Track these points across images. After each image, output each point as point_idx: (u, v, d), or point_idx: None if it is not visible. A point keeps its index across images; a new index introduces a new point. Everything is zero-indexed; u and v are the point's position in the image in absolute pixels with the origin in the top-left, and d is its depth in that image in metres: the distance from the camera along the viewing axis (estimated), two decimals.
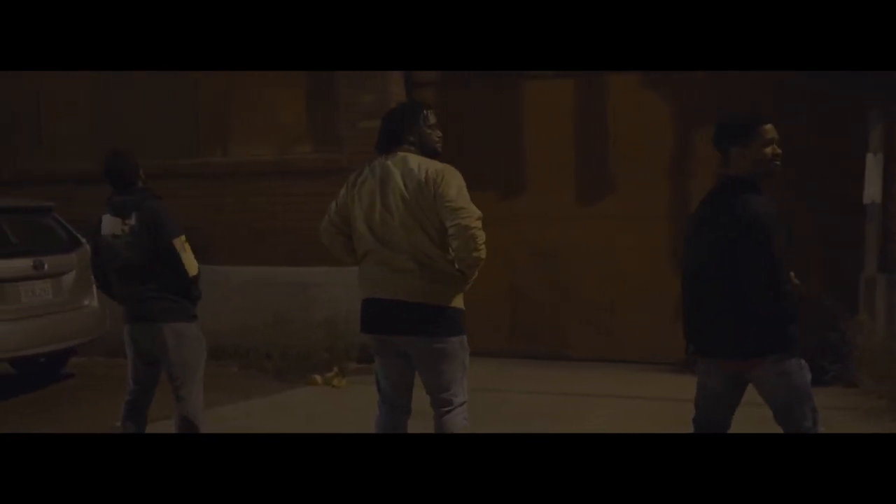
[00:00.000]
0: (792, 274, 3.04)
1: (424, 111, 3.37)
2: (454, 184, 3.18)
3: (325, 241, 3.48)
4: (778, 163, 3.08)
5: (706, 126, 6.44)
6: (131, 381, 4.04)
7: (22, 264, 5.90)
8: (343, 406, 5.57)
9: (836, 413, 5.08)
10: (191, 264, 3.90)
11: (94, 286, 6.44)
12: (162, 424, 4.31)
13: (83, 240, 6.55)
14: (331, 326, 6.88)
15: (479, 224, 3.16)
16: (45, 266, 6.02)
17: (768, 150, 3.04)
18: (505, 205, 7.05)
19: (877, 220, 5.93)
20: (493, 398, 5.34)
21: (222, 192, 7.65)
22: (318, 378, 6.38)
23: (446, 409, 3.31)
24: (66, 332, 6.20)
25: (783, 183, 6.11)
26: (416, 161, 3.23)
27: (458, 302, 3.29)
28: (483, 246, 3.17)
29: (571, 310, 6.96)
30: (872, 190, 5.87)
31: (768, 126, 3.07)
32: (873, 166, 5.84)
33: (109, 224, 3.90)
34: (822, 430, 3.09)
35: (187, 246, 3.90)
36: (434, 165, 3.23)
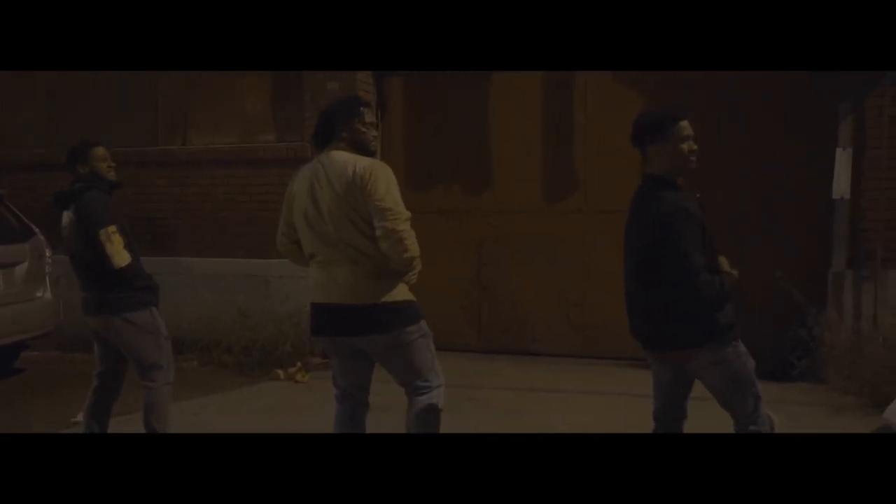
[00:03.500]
0: (723, 259, 3.08)
1: (361, 108, 3.28)
2: (382, 181, 3.09)
3: (283, 251, 3.47)
4: (694, 159, 3.10)
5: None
6: (95, 374, 4.05)
7: None
8: (304, 401, 5.44)
9: (804, 409, 5.09)
10: (117, 255, 3.78)
11: (47, 277, 6.27)
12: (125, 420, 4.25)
13: (36, 229, 6.35)
14: (295, 320, 6.74)
15: (406, 226, 3.09)
16: None
17: (684, 146, 3.08)
18: (473, 198, 6.97)
19: (846, 216, 5.91)
20: (460, 394, 5.23)
21: (184, 181, 7.46)
22: (280, 373, 6.24)
23: (423, 391, 3.26)
24: (17, 325, 5.99)
25: (754, 178, 6.19)
26: (344, 157, 3.16)
27: (405, 293, 3.21)
28: (413, 245, 3.10)
29: (541, 305, 6.89)
30: (842, 185, 5.84)
31: (684, 123, 3.09)
32: (843, 161, 5.82)
33: (65, 218, 3.93)
34: (766, 415, 3.10)
35: (115, 237, 3.78)
36: (362, 161, 3.14)
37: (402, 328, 3.18)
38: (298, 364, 6.34)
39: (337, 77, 6.76)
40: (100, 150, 4.02)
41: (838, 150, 5.83)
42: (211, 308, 6.94)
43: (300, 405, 5.38)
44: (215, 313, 6.86)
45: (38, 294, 6.20)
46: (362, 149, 3.23)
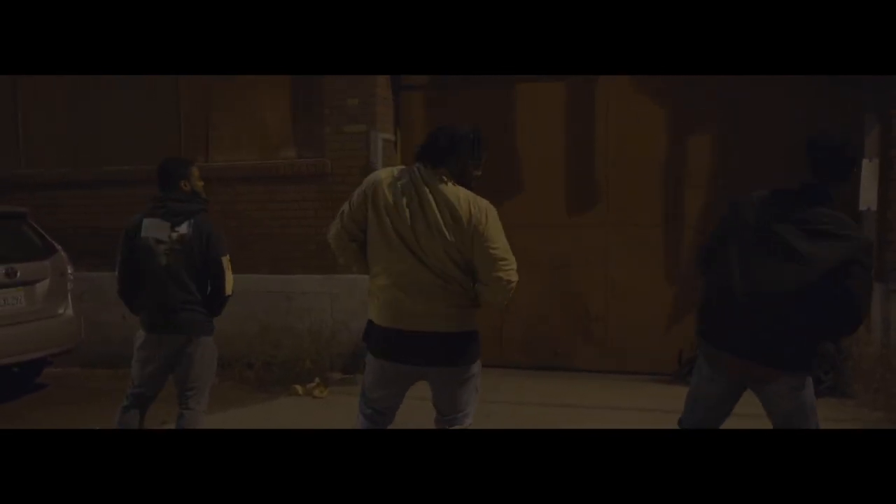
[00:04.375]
0: None
1: (485, 152, 3.25)
2: (497, 227, 3.10)
3: (336, 246, 3.29)
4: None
5: (700, 131, 6.45)
6: (136, 387, 4.00)
7: None
8: (323, 417, 5.40)
9: (833, 426, 4.97)
10: (230, 283, 3.96)
11: (68, 294, 6.30)
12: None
13: (58, 247, 6.39)
14: (315, 336, 6.73)
15: (517, 276, 3.11)
16: (18, 273, 5.84)
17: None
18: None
19: (873, 227, 5.81)
20: (481, 409, 5.15)
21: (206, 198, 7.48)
22: (299, 388, 6.22)
23: (457, 422, 3.26)
24: (39, 342, 6.02)
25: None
26: (455, 189, 3.10)
27: (475, 321, 3.21)
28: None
29: (563, 320, 6.83)
30: (868, 196, 5.75)
31: None
32: (869, 172, 5.73)
33: (155, 227, 3.88)
34: None
35: (230, 266, 3.97)
36: (478, 201, 3.11)
37: (472, 363, 3.19)
38: (317, 380, 6.31)
39: (357, 92, 6.77)
40: (196, 170, 4.08)
41: (864, 161, 5.74)
42: (232, 323, 6.90)
43: (319, 421, 5.35)
44: (236, 329, 6.85)
45: (60, 311, 6.23)
46: (464, 183, 3.16)
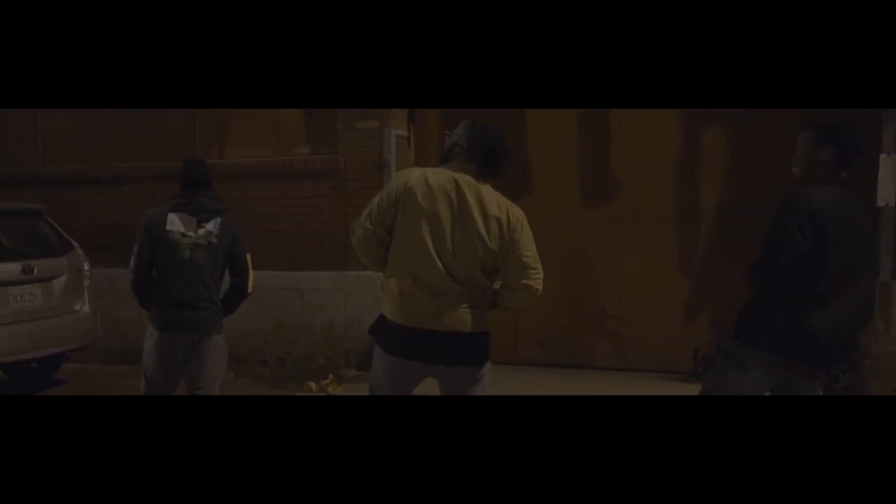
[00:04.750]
0: None
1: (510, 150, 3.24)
2: (530, 236, 3.12)
3: (363, 251, 3.19)
4: None
5: (714, 127, 6.39)
6: (149, 385, 3.99)
7: (11, 268, 5.75)
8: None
9: None
10: (252, 282, 4.05)
11: (85, 291, 6.34)
12: None
13: (75, 243, 6.44)
14: (329, 332, 6.74)
15: (542, 284, 3.14)
16: (35, 270, 5.88)
17: None
18: None
19: (891, 223, 5.74)
20: None
21: (221, 194, 7.47)
22: (313, 385, 6.23)
23: None
24: (56, 338, 6.06)
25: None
26: (497, 198, 3.09)
27: (487, 323, 3.21)
28: None
29: (578, 317, 6.80)
30: (886, 192, 5.68)
31: None
32: (887, 167, 5.66)
33: (180, 222, 3.90)
34: None
35: (251, 265, 4.06)
36: (514, 210, 3.10)
37: (485, 362, 3.18)
38: (331, 376, 6.33)
39: None
40: None
41: (882, 157, 5.67)
42: (246, 320, 6.90)
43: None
44: (250, 325, 6.87)
45: (77, 307, 6.27)
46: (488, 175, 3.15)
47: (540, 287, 3.13)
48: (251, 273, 4.03)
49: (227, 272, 4.02)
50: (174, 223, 3.90)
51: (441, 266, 3.03)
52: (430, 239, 3.02)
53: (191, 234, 3.89)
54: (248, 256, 4.03)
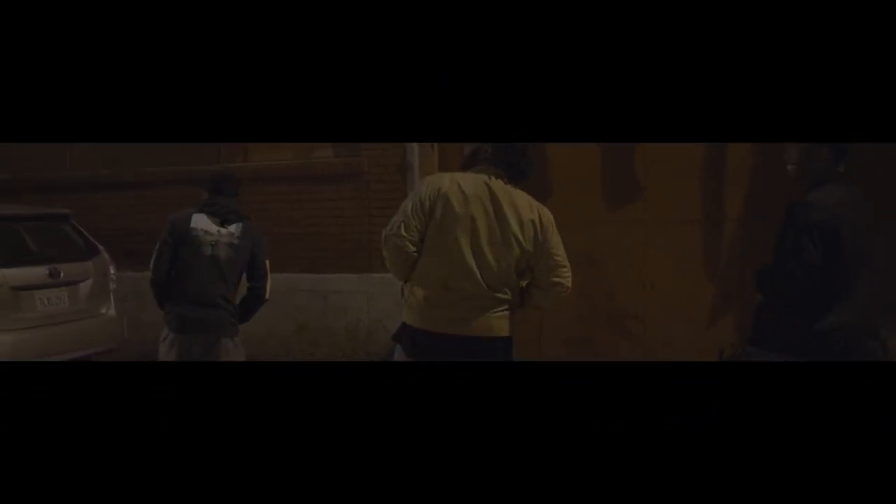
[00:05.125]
0: None
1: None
2: (558, 235, 3.15)
3: (398, 260, 3.13)
4: None
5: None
6: None
7: (37, 272, 5.81)
8: None
9: None
10: (269, 287, 4.17)
11: (111, 295, 6.39)
12: None
13: (101, 247, 6.49)
14: (352, 335, 6.75)
15: (571, 282, 3.16)
16: (62, 274, 5.93)
17: None
18: None
19: None
20: None
21: (244, 198, 7.49)
22: None
23: None
24: (82, 341, 6.11)
25: None
26: (529, 201, 3.11)
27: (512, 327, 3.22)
28: None
29: (600, 317, 6.75)
30: None
31: None
32: None
33: (205, 222, 4.03)
34: None
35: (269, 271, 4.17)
36: (544, 211, 3.13)
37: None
38: None
39: None
40: None
41: None
42: (268, 323, 6.98)
43: None
44: (273, 328, 6.92)
45: (103, 311, 6.32)
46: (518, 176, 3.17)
47: (570, 285, 3.16)
48: (269, 278, 4.12)
49: (244, 278, 4.06)
50: (198, 222, 4.01)
51: (477, 272, 3.02)
52: (467, 246, 3.01)
53: (214, 232, 3.99)
54: (267, 262, 4.12)
